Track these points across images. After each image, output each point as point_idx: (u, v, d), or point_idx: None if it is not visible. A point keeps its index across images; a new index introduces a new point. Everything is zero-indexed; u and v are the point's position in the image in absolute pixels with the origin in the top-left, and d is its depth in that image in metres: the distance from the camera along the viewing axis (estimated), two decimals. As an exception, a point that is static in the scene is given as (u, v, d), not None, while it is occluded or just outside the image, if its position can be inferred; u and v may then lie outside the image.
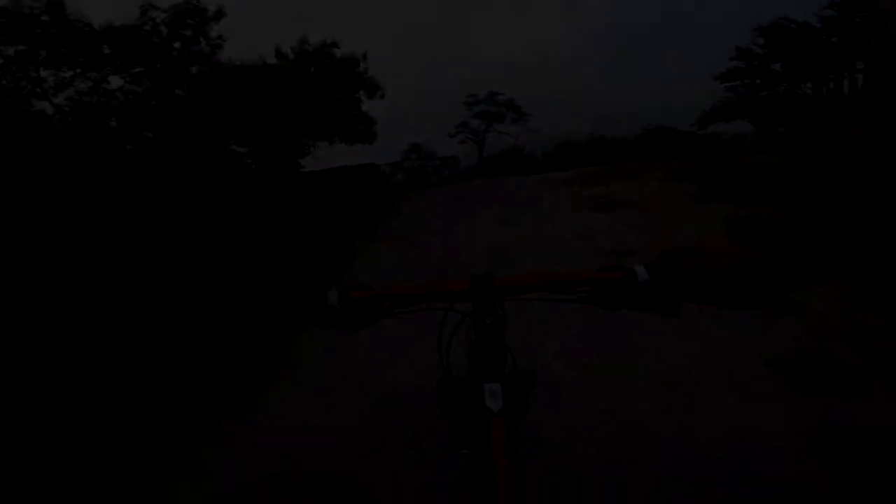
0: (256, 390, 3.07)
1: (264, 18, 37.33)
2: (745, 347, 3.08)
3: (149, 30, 11.17)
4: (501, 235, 6.49)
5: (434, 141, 33.28)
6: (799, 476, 2.01)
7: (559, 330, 3.32)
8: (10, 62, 9.59)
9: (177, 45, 11.46)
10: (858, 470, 2.00)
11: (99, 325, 3.47)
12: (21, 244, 3.93)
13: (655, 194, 7.66)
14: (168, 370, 3.17)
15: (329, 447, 2.44)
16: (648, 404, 2.60)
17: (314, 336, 3.68)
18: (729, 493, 1.94)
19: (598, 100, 40.48)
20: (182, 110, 10.42)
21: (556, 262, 4.80)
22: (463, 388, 0.83)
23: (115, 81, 10.72)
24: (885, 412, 2.35)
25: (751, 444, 2.20)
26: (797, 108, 15.42)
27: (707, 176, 7.93)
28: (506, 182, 12.40)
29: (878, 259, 3.78)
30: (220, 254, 5.08)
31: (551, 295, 0.90)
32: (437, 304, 0.89)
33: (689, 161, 9.64)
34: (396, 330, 1.26)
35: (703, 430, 2.32)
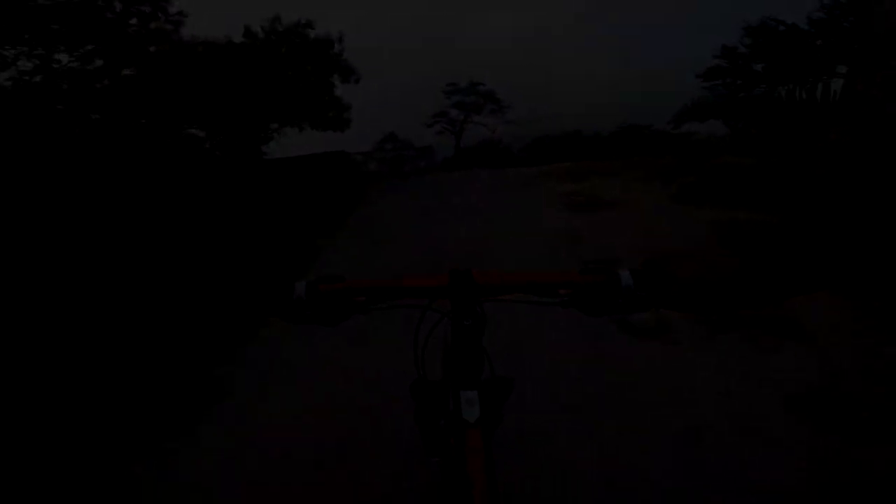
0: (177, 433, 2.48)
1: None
2: (752, 381, 2.76)
3: (101, 4, 10.31)
4: (479, 235, 6.13)
5: (411, 130, 32.73)
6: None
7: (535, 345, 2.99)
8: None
9: (133, 21, 10.66)
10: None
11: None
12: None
13: (637, 195, 7.41)
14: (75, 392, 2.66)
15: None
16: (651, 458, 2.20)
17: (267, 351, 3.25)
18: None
19: (575, 94, 40.55)
20: (136, 91, 9.67)
21: (539, 268, 4.46)
22: (438, 393, 0.79)
23: (66, 61, 9.90)
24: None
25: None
26: (773, 110, 15.54)
27: (687, 176, 7.76)
28: (483, 175, 12.03)
29: (871, 268, 3.58)
30: (159, 248, 4.60)
31: (533, 297, 0.85)
32: (413, 300, 0.83)
33: (666, 160, 9.51)
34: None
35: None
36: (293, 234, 6.27)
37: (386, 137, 25.83)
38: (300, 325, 0.84)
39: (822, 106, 10.53)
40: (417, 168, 22.37)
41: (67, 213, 4.71)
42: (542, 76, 45.06)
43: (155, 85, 9.70)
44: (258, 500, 2.07)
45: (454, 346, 0.79)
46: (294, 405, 2.73)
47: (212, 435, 2.53)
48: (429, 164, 23.87)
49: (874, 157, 6.44)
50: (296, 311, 0.83)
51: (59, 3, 9.67)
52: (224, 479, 2.18)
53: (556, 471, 2.10)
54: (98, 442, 2.40)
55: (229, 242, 5.30)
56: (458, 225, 6.69)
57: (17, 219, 4.32)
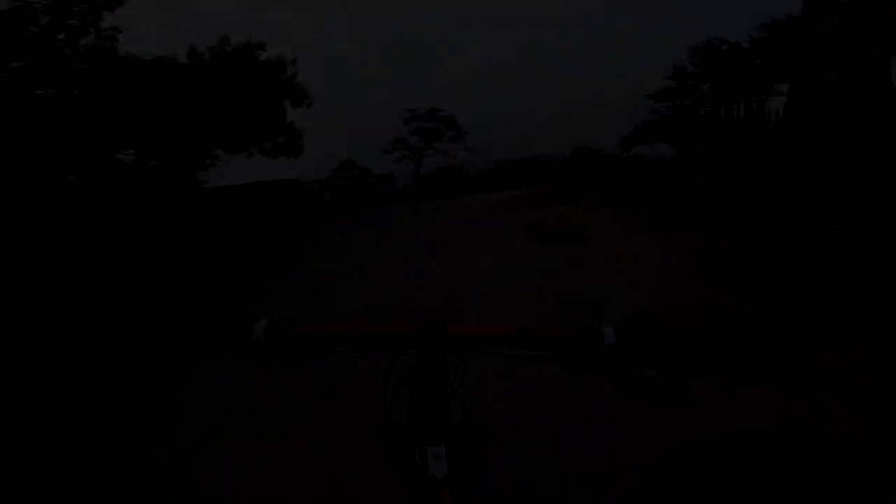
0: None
1: (187, 14, 34.76)
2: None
3: (25, 17, 9.36)
4: (442, 274, 5.56)
5: (370, 157, 32.25)
6: None
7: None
8: None
9: (61, 36, 9.73)
10: None
11: None
12: None
13: (604, 223, 7.09)
14: None
15: None
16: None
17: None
18: None
19: (530, 120, 41.40)
20: (60, 112, 8.70)
21: (512, 315, 3.91)
22: (407, 437, 0.73)
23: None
24: None
25: None
26: (717, 129, 15.96)
27: (649, 201, 7.55)
28: (443, 204, 11.59)
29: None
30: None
31: (509, 350, 0.78)
32: (378, 347, 0.78)
33: (624, 184, 9.39)
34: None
35: None
36: (226, 276, 5.51)
37: (343, 164, 25.18)
38: (257, 364, 0.78)
39: (763, 124, 10.80)
40: (377, 196, 21.78)
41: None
42: (498, 103, 45.92)
43: (82, 105, 8.76)
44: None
45: (415, 400, 0.73)
46: None
47: None
48: (389, 192, 23.33)
49: (816, 175, 6.46)
50: (253, 352, 0.77)
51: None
52: None
53: None
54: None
55: (140, 284, 4.52)
56: (424, 264, 6.09)
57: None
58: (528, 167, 25.36)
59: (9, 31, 8.99)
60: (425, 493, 0.69)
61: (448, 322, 0.77)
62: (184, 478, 2.42)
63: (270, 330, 0.77)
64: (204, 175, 11.34)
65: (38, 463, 2.49)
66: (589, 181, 12.29)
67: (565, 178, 18.45)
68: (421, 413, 0.73)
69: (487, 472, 1.65)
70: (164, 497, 2.33)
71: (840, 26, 7.90)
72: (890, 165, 5.62)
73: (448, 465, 0.70)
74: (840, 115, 7.66)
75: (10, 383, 2.99)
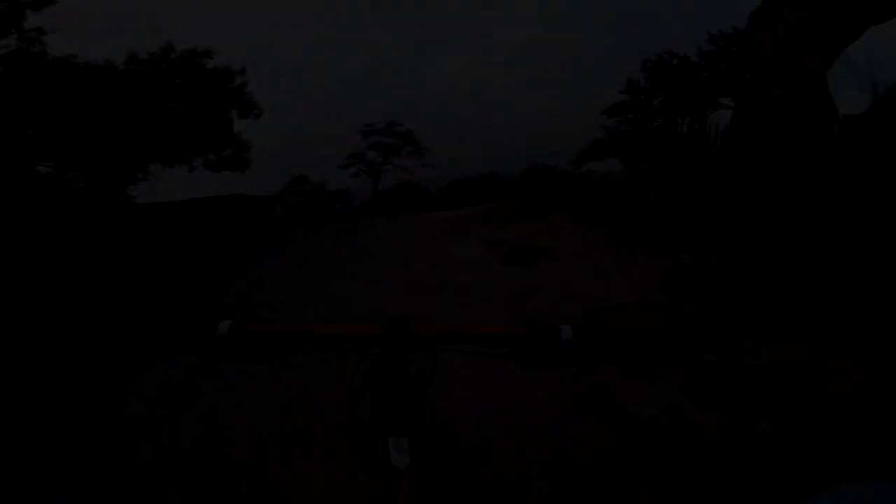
0: None
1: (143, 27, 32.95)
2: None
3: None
4: (402, 302, 4.99)
5: (326, 173, 31.44)
6: None
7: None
8: None
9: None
10: None
11: None
12: None
13: (570, 241, 6.83)
14: None
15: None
16: None
17: None
18: None
19: (483, 138, 41.82)
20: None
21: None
22: (371, 431, 0.75)
23: None
24: None
25: None
26: (663, 144, 16.38)
27: (607, 217, 7.41)
28: (403, 220, 11.13)
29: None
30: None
31: (472, 348, 0.82)
32: (343, 346, 0.79)
33: (582, 200, 9.34)
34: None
35: None
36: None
37: (295, 179, 24.30)
38: (221, 362, 0.80)
39: (707, 138, 11.06)
40: (332, 212, 21.06)
41: None
42: (452, 120, 46.28)
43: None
44: None
45: (376, 394, 0.76)
46: None
47: None
48: (345, 208, 22.64)
49: (764, 188, 6.53)
50: (216, 350, 0.79)
51: None
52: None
53: None
54: None
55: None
56: (385, 290, 5.50)
57: None
58: (486, 183, 25.37)
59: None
60: (388, 483, 0.71)
61: (413, 322, 0.78)
62: None
63: (234, 330, 0.78)
64: (135, 189, 10.40)
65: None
66: (545, 197, 12.18)
67: (522, 194, 18.48)
68: (382, 405, 0.75)
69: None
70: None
71: (782, 39, 8.10)
72: (832, 175, 5.73)
73: (411, 457, 0.71)
74: (787, 126, 7.83)
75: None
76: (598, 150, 19.57)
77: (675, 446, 2.32)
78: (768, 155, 7.93)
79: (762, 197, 6.20)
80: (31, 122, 8.00)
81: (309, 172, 24.90)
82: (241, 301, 5.68)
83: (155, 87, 10.03)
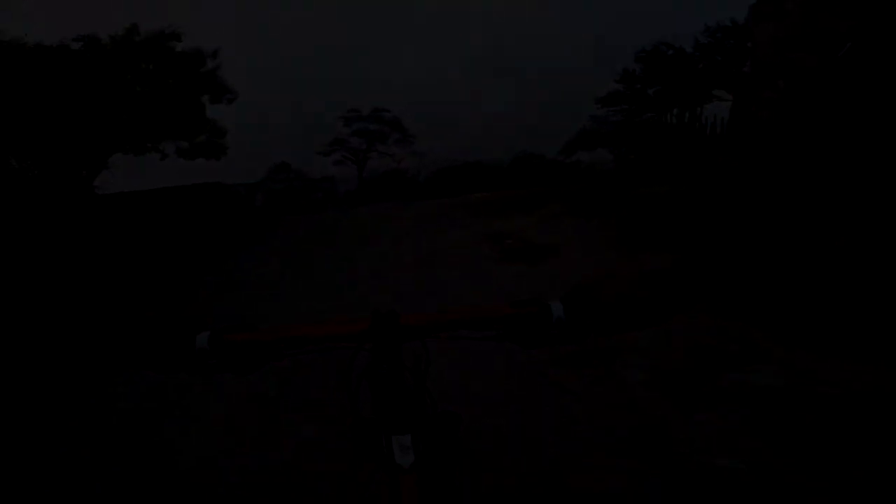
0: None
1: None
2: None
3: None
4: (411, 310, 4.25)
5: (309, 160, 30.56)
6: None
7: None
8: None
9: None
10: None
11: None
12: None
13: (573, 237, 6.30)
14: None
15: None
16: None
17: None
18: None
19: (472, 124, 41.07)
20: None
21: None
22: (375, 429, 0.73)
23: None
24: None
25: None
26: (656, 135, 16.04)
27: (608, 210, 6.95)
28: (390, 211, 10.54)
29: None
30: None
31: (464, 333, 0.80)
32: (333, 345, 0.77)
33: (571, 189, 8.90)
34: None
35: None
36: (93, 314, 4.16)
37: (277, 167, 23.38)
38: (207, 376, 0.82)
39: (702, 130, 10.70)
40: (314, 201, 20.29)
41: None
42: (441, 108, 45.24)
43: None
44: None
45: (377, 392, 0.73)
46: None
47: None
48: (327, 197, 21.87)
49: (763, 179, 6.19)
50: (199, 364, 0.76)
51: None
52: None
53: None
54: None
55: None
56: (372, 298, 4.75)
57: None
58: (474, 172, 24.82)
59: None
60: (393, 482, 0.69)
61: (400, 313, 0.76)
62: None
63: (214, 340, 0.75)
64: (99, 179, 9.59)
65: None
66: (535, 187, 11.74)
67: (512, 183, 17.99)
68: (384, 404, 0.72)
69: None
70: None
71: (782, 32, 7.78)
72: (835, 170, 5.46)
73: (416, 454, 0.70)
74: (790, 120, 7.48)
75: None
76: (587, 139, 19.10)
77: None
78: (770, 149, 7.56)
79: (762, 191, 5.89)
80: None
81: (290, 160, 24.08)
82: (229, 294, 5.11)
83: (117, 71, 9.22)
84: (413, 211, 10.24)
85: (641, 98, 16.80)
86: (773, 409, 2.38)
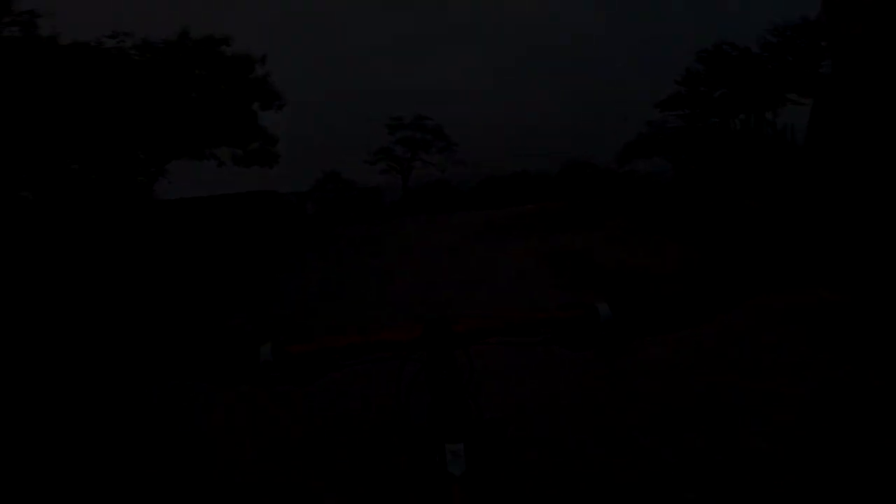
0: None
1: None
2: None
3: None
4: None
5: (355, 170, 30.90)
6: None
7: None
8: None
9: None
10: None
11: None
12: None
13: (656, 261, 5.26)
14: None
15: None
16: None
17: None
18: None
19: (517, 131, 40.41)
20: None
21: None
22: (426, 437, 0.75)
23: None
24: None
25: None
26: (724, 142, 14.92)
27: (687, 226, 6.21)
28: (434, 223, 10.20)
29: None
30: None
31: (513, 338, 0.81)
32: (387, 354, 0.78)
33: (638, 201, 8.15)
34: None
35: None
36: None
37: (327, 176, 23.71)
38: (269, 389, 0.81)
39: (782, 137, 9.77)
40: (363, 211, 20.28)
41: None
42: (484, 117, 44.90)
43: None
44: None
45: (434, 399, 0.74)
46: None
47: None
48: (373, 207, 21.90)
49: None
50: (263, 376, 0.77)
51: None
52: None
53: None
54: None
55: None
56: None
57: None
58: (520, 181, 24.29)
59: None
60: (444, 492, 0.70)
61: (451, 319, 0.78)
62: None
63: (277, 351, 0.77)
64: (158, 185, 9.78)
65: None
66: (589, 198, 11.04)
67: (560, 194, 17.30)
68: (439, 412, 0.74)
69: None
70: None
71: (865, 30, 6.89)
72: None
73: (468, 463, 0.71)
74: (876, 126, 6.63)
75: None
76: (644, 146, 18.16)
77: None
78: (859, 158, 6.68)
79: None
80: (38, 113, 7.37)
81: (338, 169, 24.37)
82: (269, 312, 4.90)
83: (172, 76, 9.39)
84: (457, 223, 9.86)
85: (706, 101, 15.76)
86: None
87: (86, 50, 8.28)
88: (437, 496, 0.70)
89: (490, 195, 22.24)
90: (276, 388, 0.78)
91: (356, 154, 28.30)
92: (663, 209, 7.61)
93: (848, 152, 6.83)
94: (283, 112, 11.20)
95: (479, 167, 26.23)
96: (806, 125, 7.78)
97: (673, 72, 16.55)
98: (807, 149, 8.59)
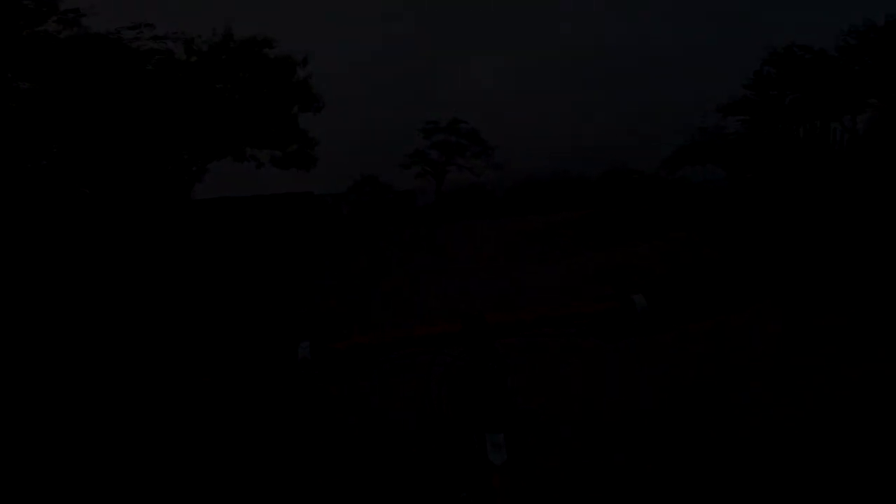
0: None
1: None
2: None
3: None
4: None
5: (388, 173, 30.84)
6: None
7: None
8: None
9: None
10: None
11: None
12: None
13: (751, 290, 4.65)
14: None
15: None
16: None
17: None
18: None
19: (556, 134, 39.43)
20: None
21: None
22: (465, 427, 0.78)
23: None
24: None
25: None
26: (796, 150, 13.78)
27: (772, 244, 5.41)
28: (470, 231, 9.78)
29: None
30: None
31: (550, 331, 0.84)
32: (426, 349, 0.80)
33: (698, 211, 7.30)
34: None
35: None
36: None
37: (364, 179, 23.62)
38: (306, 386, 0.90)
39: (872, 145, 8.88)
40: (395, 216, 20.04)
41: None
42: (520, 119, 43.96)
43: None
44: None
45: (477, 390, 0.76)
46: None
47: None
48: (407, 211, 21.67)
49: None
50: (301, 373, 0.77)
51: None
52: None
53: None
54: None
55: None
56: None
57: None
58: (559, 186, 23.56)
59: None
60: (485, 481, 0.71)
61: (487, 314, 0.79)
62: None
63: (316, 349, 0.77)
64: (199, 185, 9.82)
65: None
66: (633, 206, 10.33)
67: (603, 201, 16.53)
68: (480, 402, 0.75)
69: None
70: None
71: None
72: None
73: (508, 452, 0.72)
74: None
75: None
76: (696, 153, 17.17)
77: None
78: None
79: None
80: (89, 112, 7.38)
81: (376, 172, 24.27)
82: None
83: (217, 78, 9.37)
84: (496, 231, 9.39)
85: (777, 106, 14.65)
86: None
87: (133, 51, 8.28)
88: (478, 485, 0.71)
89: (526, 200, 21.66)
90: (315, 384, 0.88)
91: (393, 158, 28.23)
92: (726, 219, 6.96)
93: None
94: (323, 114, 11.06)
95: (515, 171, 25.67)
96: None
97: (724, 76, 15.57)
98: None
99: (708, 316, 3.25)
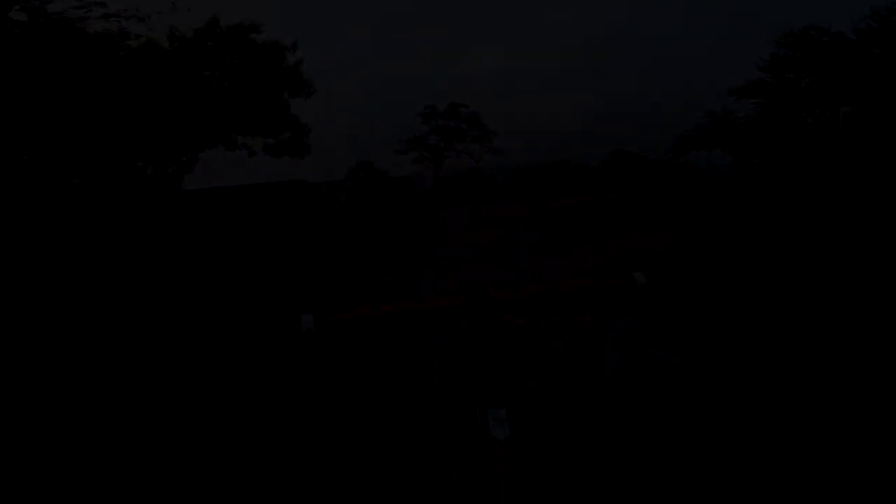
0: None
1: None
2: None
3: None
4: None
5: (382, 157, 30.44)
6: None
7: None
8: None
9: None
10: None
11: None
12: None
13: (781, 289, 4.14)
14: None
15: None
16: None
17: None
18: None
19: (556, 119, 38.98)
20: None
21: None
22: (467, 402, 0.77)
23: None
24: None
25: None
26: (808, 135, 13.43)
27: (798, 235, 5.12)
28: (469, 217, 9.52)
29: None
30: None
31: (551, 306, 0.84)
32: (430, 321, 0.79)
33: (708, 198, 7.12)
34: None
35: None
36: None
37: (359, 166, 23.26)
38: (310, 359, 0.94)
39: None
40: (392, 202, 19.76)
41: None
42: (522, 104, 43.31)
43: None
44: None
45: (480, 364, 0.75)
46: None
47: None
48: (404, 198, 21.37)
49: None
50: (305, 346, 0.76)
51: None
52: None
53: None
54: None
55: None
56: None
57: None
58: (560, 172, 23.23)
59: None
60: (488, 455, 0.71)
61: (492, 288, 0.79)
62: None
63: (320, 322, 0.76)
64: (188, 174, 9.55)
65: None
66: (639, 192, 10.03)
67: (606, 186, 16.19)
68: (483, 377, 0.75)
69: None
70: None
71: None
72: None
73: (511, 427, 0.72)
74: None
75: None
76: (704, 137, 16.75)
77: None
78: None
79: None
80: (67, 103, 7.06)
81: (368, 158, 23.93)
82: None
83: (205, 66, 9.03)
84: (496, 218, 9.11)
85: (793, 90, 14.15)
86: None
87: (113, 38, 7.91)
88: (480, 459, 0.72)
89: (526, 186, 21.36)
90: (318, 356, 0.90)
91: (389, 144, 27.74)
92: (735, 207, 6.73)
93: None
94: (315, 102, 10.73)
95: (515, 156, 25.33)
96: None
97: (731, 61, 15.11)
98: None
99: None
